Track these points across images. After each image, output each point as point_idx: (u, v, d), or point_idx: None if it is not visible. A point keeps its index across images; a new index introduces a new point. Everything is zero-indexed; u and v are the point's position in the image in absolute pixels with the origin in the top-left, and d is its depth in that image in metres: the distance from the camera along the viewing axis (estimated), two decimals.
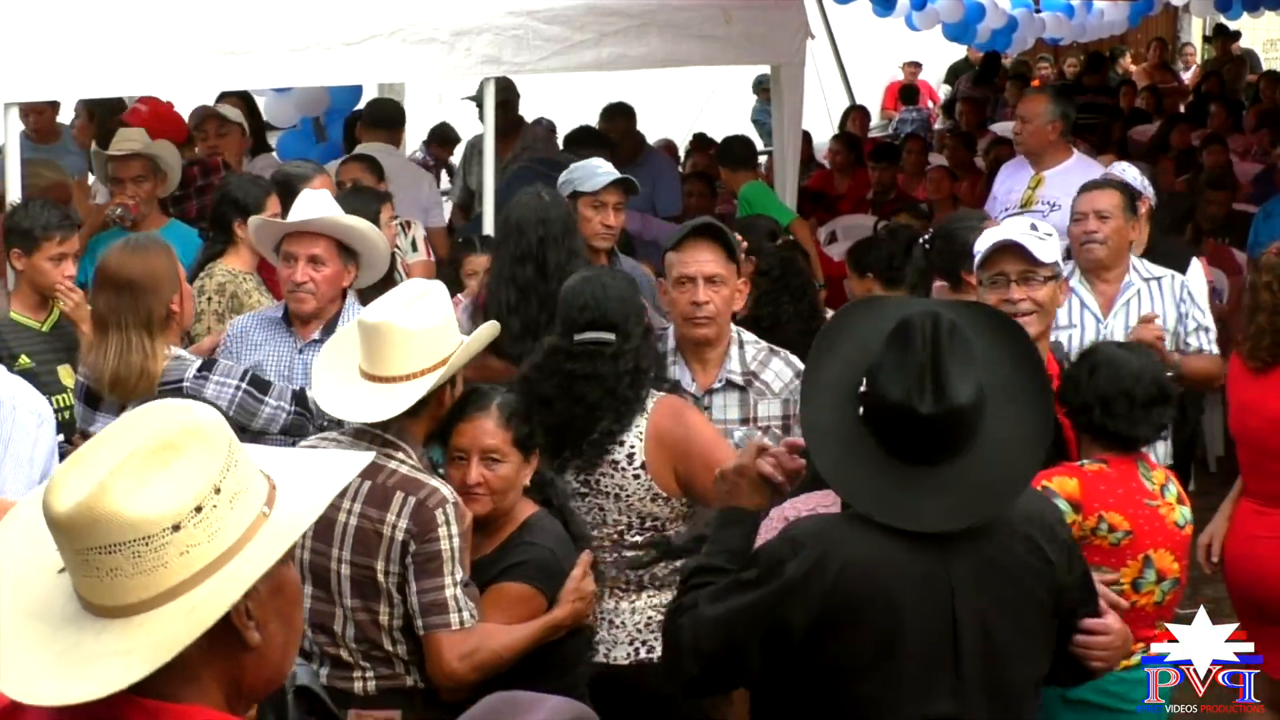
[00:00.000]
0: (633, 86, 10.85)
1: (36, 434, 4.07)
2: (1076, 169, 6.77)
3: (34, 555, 1.76)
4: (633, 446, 4.03)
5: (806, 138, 10.84)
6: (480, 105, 7.62)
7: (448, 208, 9.47)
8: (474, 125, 9.06)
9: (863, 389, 2.73)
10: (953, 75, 18.77)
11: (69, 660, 1.67)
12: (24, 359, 5.05)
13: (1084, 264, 5.31)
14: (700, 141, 11.45)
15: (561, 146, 8.54)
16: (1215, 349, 5.29)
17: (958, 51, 18.40)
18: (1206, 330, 5.30)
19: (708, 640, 2.77)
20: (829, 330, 2.92)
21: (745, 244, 4.93)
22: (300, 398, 4.50)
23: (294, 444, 4.07)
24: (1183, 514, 3.99)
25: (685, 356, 4.38)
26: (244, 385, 4.46)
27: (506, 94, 8.40)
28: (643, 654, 4.07)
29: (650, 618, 4.07)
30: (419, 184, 7.96)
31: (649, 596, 4.09)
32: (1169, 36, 20.98)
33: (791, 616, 2.67)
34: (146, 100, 7.66)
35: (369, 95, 9.27)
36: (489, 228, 6.97)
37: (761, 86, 14.75)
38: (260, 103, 9.03)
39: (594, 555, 3.80)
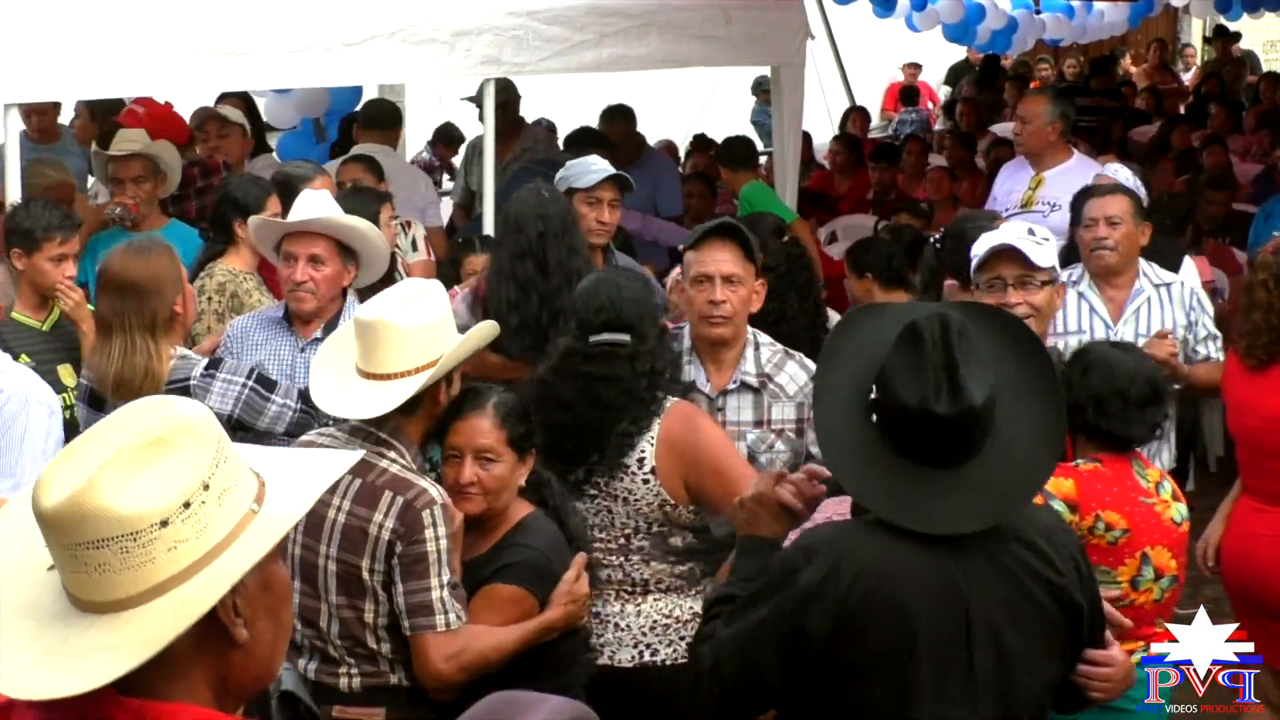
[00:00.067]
0: (633, 87, 10.86)
1: (48, 424, 4.14)
2: (1076, 169, 6.79)
3: (25, 553, 1.77)
4: (644, 451, 4.00)
5: (806, 138, 10.84)
6: (480, 106, 7.62)
7: (448, 208, 9.48)
8: (475, 126, 9.06)
9: (873, 395, 2.73)
10: (953, 76, 18.77)
11: (57, 656, 1.68)
12: (24, 359, 5.05)
13: (1094, 270, 5.32)
14: (700, 142, 11.46)
15: (562, 147, 8.54)
16: (1223, 357, 5.30)
17: (958, 52, 18.39)
18: (1215, 338, 5.32)
19: (728, 659, 2.77)
20: (833, 339, 2.92)
21: None
22: (306, 396, 4.51)
23: (288, 442, 4.08)
24: (1179, 511, 4.00)
25: (700, 356, 4.36)
26: (250, 383, 4.47)
27: (506, 95, 8.40)
28: (646, 657, 4.05)
29: (655, 621, 4.05)
30: (415, 184, 7.97)
31: (654, 600, 4.07)
32: (1169, 37, 20.98)
33: (810, 624, 2.67)
34: (142, 101, 7.66)
35: (369, 96, 9.27)
36: (489, 228, 6.98)
37: (761, 88, 14.76)
38: (260, 103, 9.03)
39: (590, 557, 3.79)
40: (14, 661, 1.69)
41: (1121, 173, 5.92)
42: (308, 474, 1.87)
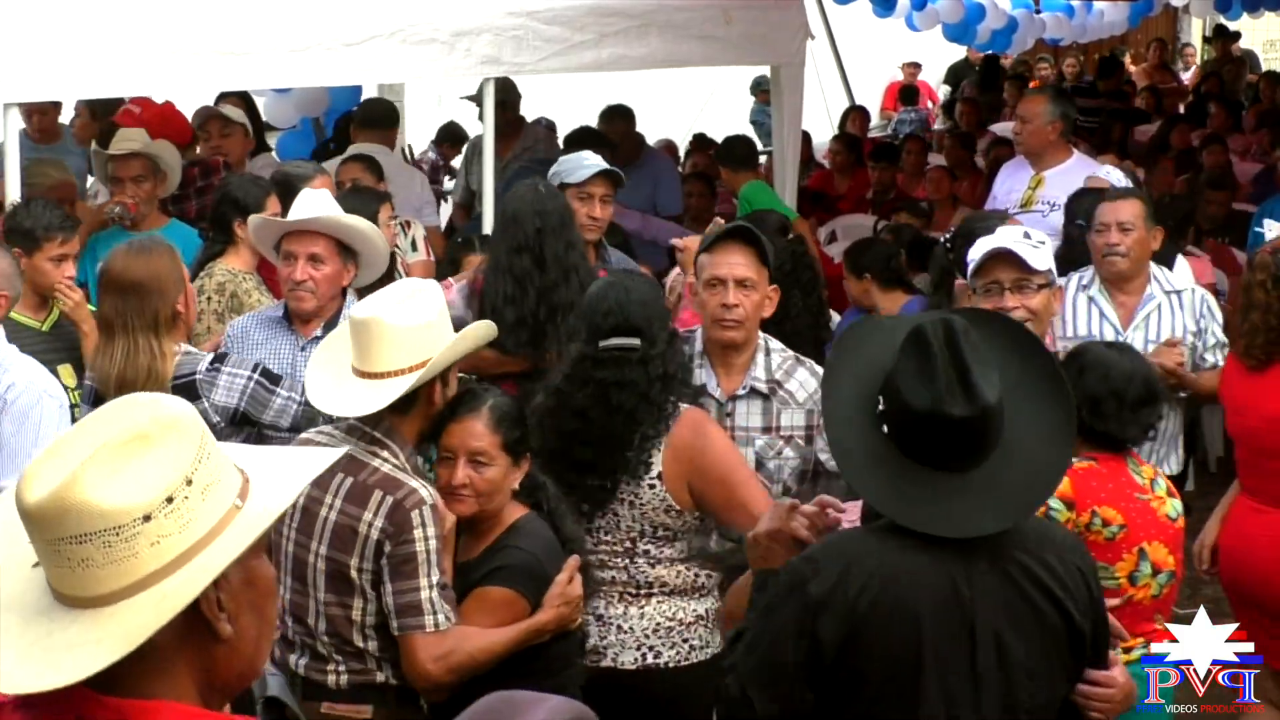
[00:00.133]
0: (633, 87, 10.86)
1: (59, 417, 4.13)
2: (1076, 169, 6.79)
3: (11, 549, 1.77)
4: (651, 456, 3.99)
5: (806, 138, 10.85)
6: (480, 105, 7.63)
7: (449, 207, 9.48)
8: (475, 125, 9.07)
9: (881, 405, 2.73)
10: (952, 76, 18.76)
11: (40, 650, 1.68)
12: None
13: (1106, 275, 5.31)
14: (700, 142, 11.47)
15: (562, 147, 8.54)
16: None
17: (957, 52, 18.39)
18: (1224, 346, 5.32)
19: (752, 682, 2.77)
20: (837, 353, 2.93)
21: None
22: None
23: (291, 438, 4.08)
24: (1174, 507, 4.01)
25: (711, 360, 4.34)
26: (255, 376, 4.49)
27: (506, 94, 8.41)
28: (649, 659, 4.04)
29: (658, 624, 4.04)
30: (411, 183, 7.98)
31: (657, 602, 4.05)
32: (1169, 37, 20.98)
33: (823, 633, 2.68)
34: (139, 101, 7.66)
35: (369, 95, 9.27)
36: (489, 228, 6.97)
37: (760, 88, 14.76)
38: (260, 103, 9.03)
39: (589, 560, 3.79)
40: None
41: (1114, 175, 5.92)
42: (292, 470, 1.88)
